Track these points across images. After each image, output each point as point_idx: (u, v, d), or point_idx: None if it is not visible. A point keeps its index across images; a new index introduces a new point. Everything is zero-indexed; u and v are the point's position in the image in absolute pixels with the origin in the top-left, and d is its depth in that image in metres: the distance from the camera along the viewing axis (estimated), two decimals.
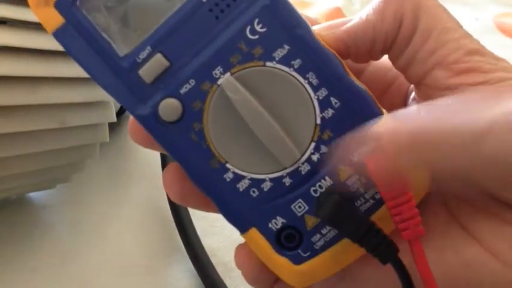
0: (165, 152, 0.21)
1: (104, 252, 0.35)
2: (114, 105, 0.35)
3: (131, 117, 0.20)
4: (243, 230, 0.19)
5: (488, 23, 0.62)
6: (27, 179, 0.32)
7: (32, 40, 0.27)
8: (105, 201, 0.39)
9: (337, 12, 0.66)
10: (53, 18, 0.18)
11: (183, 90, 0.18)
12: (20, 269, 0.34)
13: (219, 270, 0.34)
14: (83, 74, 0.30)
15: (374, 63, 0.23)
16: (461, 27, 0.19)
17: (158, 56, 0.18)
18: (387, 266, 0.18)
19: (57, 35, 0.19)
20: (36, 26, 0.28)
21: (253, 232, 0.19)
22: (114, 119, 0.34)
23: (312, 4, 0.69)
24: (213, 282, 0.33)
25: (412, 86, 0.22)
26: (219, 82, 0.18)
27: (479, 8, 0.67)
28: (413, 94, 0.21)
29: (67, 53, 0.19)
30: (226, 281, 0.33)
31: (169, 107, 0.18)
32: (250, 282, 0.21)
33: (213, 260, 0.34)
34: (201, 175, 0.19)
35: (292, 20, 0.18)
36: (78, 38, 0.18)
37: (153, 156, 0.40)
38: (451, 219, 0.20)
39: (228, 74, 0.18)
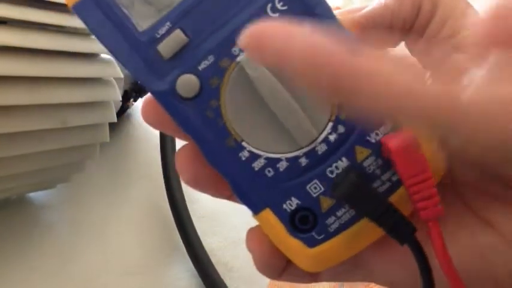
0: (176, 135, 0.20)
1: (104, 252, 0.35)
2: (114, 106, 0.35)
3: (145, 98, 0.20)
4: (256, 210, 0.19)
5: None
6: (27, 179, 0.32)
7: (32, 40, 0.27)
8: (105, 201, 0.39)
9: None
10: None
11: (201, 67, 0.18)
12: (20, 268, 0.34)
13: (219, 270, 0.34)
14: (84, 74, 0.31)
15: None
16: (478, 13, 0.19)
17: (177, 32, 0.18)
18: (402, 256, 0.18)
19: (77, 8, 0.18)
20: (37, 26, 0.28)
21: (267, 213, 0.19)
22: (115, 119, 0.34)
23: None
24: (213, 282, 0.33)
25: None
26: (238, 59, 0.18)
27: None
28: None
29: (86, 27, 0.18)
30: (227, 281, 0.33)
31: (186, 83, 0.18)
32: (260, 267, 0.20)
33: (213, 260, 0.34)
34: (216, 153, 0.19)
35: None
36: (98, 11, 0.18)
37: (153, 157, 0.40)
38: (466, 209, 0.20)
39: None
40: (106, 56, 0.33)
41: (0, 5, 0.26)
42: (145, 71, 0.18)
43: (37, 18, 0.27)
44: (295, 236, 0.19)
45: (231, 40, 0.18)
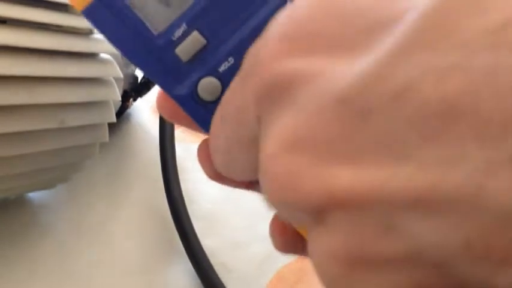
0: (190, 127, 0.20)
1: (104, 252, 0.35)
2: (113, 105, 0.35)
3: (159, 90, 0.19)
4: None
5: None
6: (26, 179, 0.32)
7: (31, 40, 0.27)
8: (104, 201, 0.39)
9: None
10: None
11: (222, 69, 0.18)
12: (19, 268, 0.34)
13: (218, 271, 0.33)
14: (83, 73, 0.31)
15: None
16: None
17: (195, 34, 0.18)
18: None
19: (87, 12, 0.18)
20: (36, 26, 0.28)
21: None
22: (114, 119, 0.34)
23: None
24: (212, 282, 0.33)
25: None
26: None
27: None
28: None
29: (98, 31, 0.18)
30: (226, 282, 0.33)
31: (208, 86, 0.18)
32: (280, 249, 0.21)
33: (212, 261, 0.34)
34: None
35: None
36: (110, 15, 0.18)
37: (153, 157, 0.40)
38: None
39: None
40: (105, 55, 0.33)
41: (0, 5, 0.26)
42: (164, 75, 0.18)
43: (36, 18, 0.27)
44: None
45: (250, 39, 0.17)
